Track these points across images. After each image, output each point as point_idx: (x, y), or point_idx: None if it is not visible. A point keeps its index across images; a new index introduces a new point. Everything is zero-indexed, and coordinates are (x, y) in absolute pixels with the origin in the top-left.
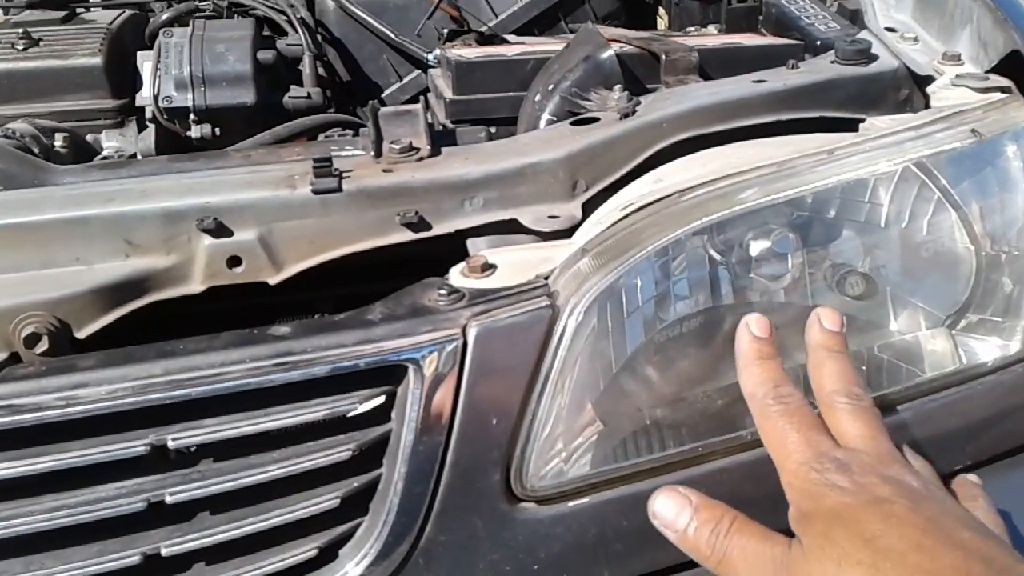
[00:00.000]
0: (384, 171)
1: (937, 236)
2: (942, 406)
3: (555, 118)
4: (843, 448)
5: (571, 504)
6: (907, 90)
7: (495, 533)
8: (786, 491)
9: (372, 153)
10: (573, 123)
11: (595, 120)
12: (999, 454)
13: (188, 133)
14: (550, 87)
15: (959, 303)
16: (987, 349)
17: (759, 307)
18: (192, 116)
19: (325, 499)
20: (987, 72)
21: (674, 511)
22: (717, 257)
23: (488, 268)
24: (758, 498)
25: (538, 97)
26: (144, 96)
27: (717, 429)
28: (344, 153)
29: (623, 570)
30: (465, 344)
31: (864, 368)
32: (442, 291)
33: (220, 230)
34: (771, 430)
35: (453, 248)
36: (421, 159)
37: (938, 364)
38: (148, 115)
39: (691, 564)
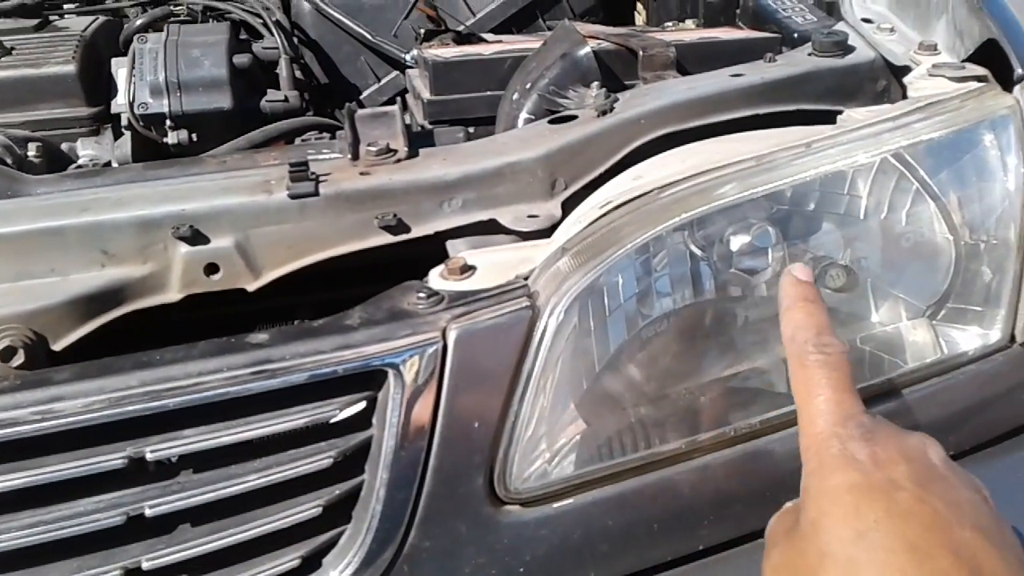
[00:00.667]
0: (361, 174)
1: (916, 227)
2: (924, 396)
3: (533, 117)
4: (871, 413)
5: (556, 505)
6: (884, 81)
7: (480, 537)
8: (803, 455)
9: (349, 156)
10: (551, 121)
11: (573, 118)
12: (981, 443)
13: (165, 139)
14: (528, 85)
15: (939, 293)
16: (968, 338)
17: (741, 302)
18: (168, 122)
19: (307, 507)
20: (963, 61)
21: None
22: (698, 253)
23: (468, 269)
24: (744, 494)
25: (516, 96)
26: (119, 103)
27: (701, 425)
28: (321, 156)
29: (609, 570)
30: (445, 347)
31: None
32: (421, 294)
33: (196, 237)
34: (804, 380)
35: (433, 250)
36: (399, 161)
37: (919, 355)
38: (124, 122)
39: (678, 562)
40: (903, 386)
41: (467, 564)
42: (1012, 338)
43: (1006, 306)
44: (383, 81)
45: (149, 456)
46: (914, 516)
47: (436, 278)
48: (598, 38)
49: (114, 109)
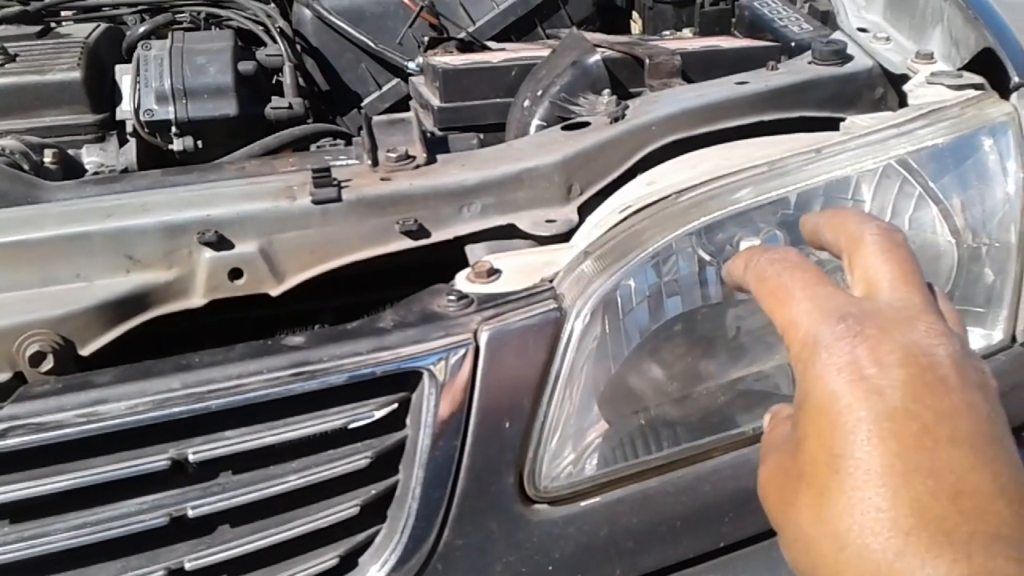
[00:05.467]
0: (382, 180)
1: (919, 231)
2: None
3: (545, 123)
4: (860, 301)
5: (583, 504)
6: (882, 89)
7: (510, 535)
8: (793, 368)
9: (369, 162)
10: (564, 128)
11: (586, 124)
12: None
13: (170, 146)
14: (539, 92)
15: None
16: (971, 339)
17: (748, 306)
18: (174, 129)
19: (345, 507)
20: (959, 70)
21: None
22: (706, 258)
23: (494, 273)
24: None
25: (527, 103)
26: (124, 110)
27: (719, 426)
28: (339, 163)
29: (634, 567)
30: (477, 348)
31: None
32: (451, 297)
33: (221, 243)
34: (770, 293)
35: (449, 255)
36: (418, 167)
37: None
38: (129, 129)
39: (700, 559)
40: None
41: (498, 562)
42: (1013, 338)
43: (1007, 307)
44: (384, 88)
45: (192, 458)
46: (896, 436)
47: (463, 281)
48: (603, 46)
49: (119, 116)
